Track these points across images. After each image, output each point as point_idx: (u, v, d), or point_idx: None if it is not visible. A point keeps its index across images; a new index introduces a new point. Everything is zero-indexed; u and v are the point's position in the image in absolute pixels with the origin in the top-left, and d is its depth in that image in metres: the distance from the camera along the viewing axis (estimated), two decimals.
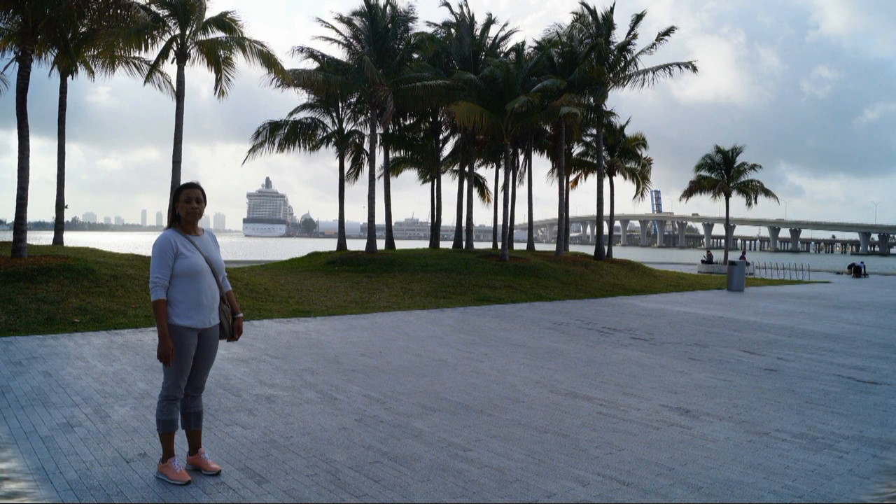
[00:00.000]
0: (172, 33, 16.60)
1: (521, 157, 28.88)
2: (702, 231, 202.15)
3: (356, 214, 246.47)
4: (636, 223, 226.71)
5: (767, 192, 33.89)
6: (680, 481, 3.89)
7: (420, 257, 19.61)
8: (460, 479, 3.79)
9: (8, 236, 14.86)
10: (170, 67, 23.42)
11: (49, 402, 5.08)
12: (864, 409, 5.92)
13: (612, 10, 24.45)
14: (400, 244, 29.88)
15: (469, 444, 4.47)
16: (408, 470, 3.92)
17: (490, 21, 26.52)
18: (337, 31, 22.24)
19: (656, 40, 24.27)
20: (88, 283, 10.56)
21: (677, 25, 25.76)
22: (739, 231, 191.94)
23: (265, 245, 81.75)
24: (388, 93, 19.52)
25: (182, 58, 16.55)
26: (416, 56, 23.12)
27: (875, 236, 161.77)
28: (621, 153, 28.79)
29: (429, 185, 27.69)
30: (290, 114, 23.22)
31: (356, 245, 25.14)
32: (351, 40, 22.34)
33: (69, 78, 17.92)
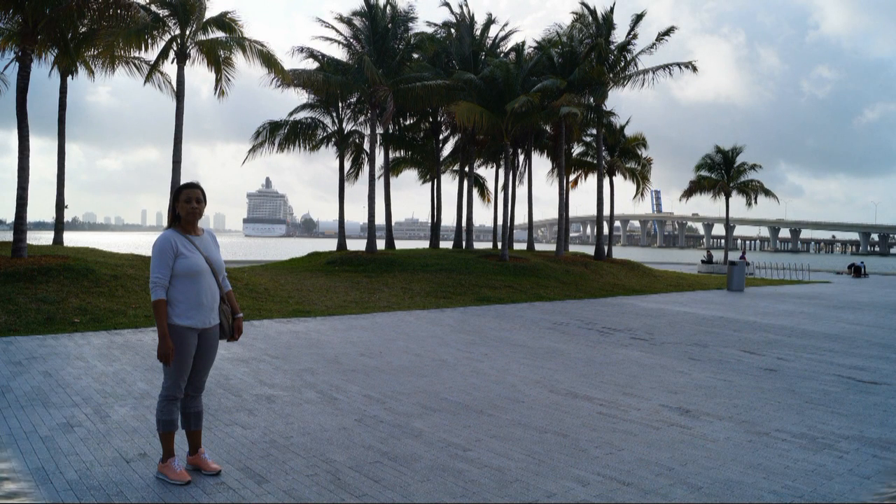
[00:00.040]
0: (172, 33, 16.60)
1: (521, 157, 28.88)
2: (702, 231, 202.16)
3: (356, 214, 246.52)
4: (636, 223, 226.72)
5: (767, 192, 33.90)
6: (680, 481, 3.89)
7: (420, 257, 19.61)
8: (460, 479, 3.79)
9: (8, 236, 14.86)
10: (170, 67, 23.43)
11: (49, 402, 5.09)
12: (864, 409, 5.92)
13: (612, 10, 24.46)
14: (400, 244, 29.88)
15: (469, 444, 4.47)
16: (408, 470, 3.92)
17: (490, 21, 26.53)
18: (337, 31, 22.26)
19: (656, 40, 24.28)
20: (88, 283, 10.56)
21: (677, 25, 25.78)
22: (739, 231, 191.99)
23: (265, 245, 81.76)
24: (388, 93, 19.52)
25: (182, 58, 16.55)
26: (416, 56, 23.12)
27: (875, 236, 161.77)
28: (621, 153, 28.80)
29: (429, 185, 27.70)
30: (290, 114, 23.24)
31: (356, 245, 25.14)
32: (351, 40, 22.34)
33: (69, 78, 17.93)
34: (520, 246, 31.91)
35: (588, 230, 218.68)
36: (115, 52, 16.10)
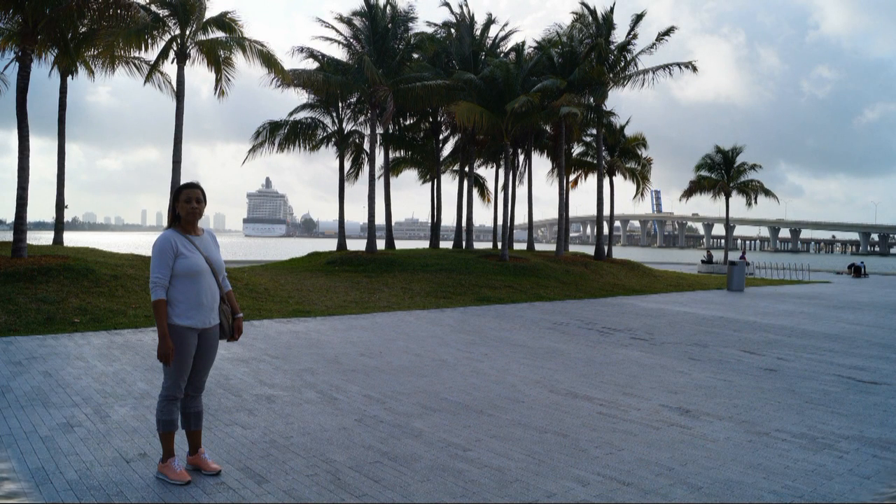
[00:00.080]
0: (172, 33, 16.60)
1: (521, 157, 28.88)
2: (702, 231, 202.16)
3: (356, 214, 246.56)
4: (636, 223, 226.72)
5: (767, 192, 33.90)
6: (680, 481, 3.89)
7: (420, 257, 19.61)
8: (460, 479, 3.79)
9: (8, 236, 14.86)
10: (170, 67, 23.44)
11: (49, 402, 5.08)
12: (864, 409, 5.92)
13: (612, 10, 24.46)
14: (400, 244, 29.88)
15: (469, 444, 4.47)
16: (408, 470, 3.92)
17: (490, 21, 26.52)
18: (337, 31, 22.25)
19: (656, 40, 24.28)
20: (88, 283, 10.56)
21: (677, 25, 25.78)
22: (739, 231, 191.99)
23: (265, 245, 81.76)
24: (388, 93, 19.52)
25: (182, 58, 16.55)
26: (416, 56, 23.12)
27: (875, 236, 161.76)
28: (621, 153, 28.80)
29: (429, 185, 27.71)
30: (290, 114, 23.24)
31: (356, 245, 25.14)
32: (351, 40, 22.34)
33: (69, 78, 17.93)
34: (520, 246, 31.91)
35: (588, 230, 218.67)
36: (115, 52, 16.10)
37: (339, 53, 22.57)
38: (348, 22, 22.25)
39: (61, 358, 6.68)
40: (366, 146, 24.20)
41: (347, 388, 5.93)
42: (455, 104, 20.22)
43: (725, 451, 4.49)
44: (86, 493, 3.40)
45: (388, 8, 22.19)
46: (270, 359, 7.13)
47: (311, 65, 21.78)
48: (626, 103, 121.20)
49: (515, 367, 7.27)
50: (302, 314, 10.70)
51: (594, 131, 26.40)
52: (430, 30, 24.88)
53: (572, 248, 32.85)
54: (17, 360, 6.51)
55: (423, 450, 4.30)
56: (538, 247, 30.50)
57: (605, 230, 27.79)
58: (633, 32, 24.26)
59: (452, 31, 25.41)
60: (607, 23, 24.30)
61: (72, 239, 22.28)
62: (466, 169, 26.07)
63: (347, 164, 24.52)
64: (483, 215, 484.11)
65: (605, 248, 26.03)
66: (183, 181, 10.18)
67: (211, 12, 17.28)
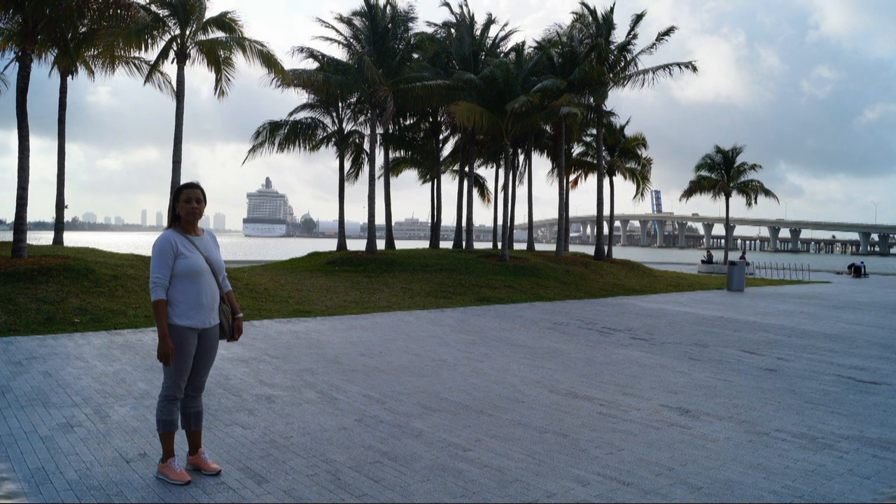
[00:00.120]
0: (172, 33, 16.60)
1: (521, 157, 28.88)
2: (702, 231, 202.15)
3: (356, 214, 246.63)
4: (636, 223, 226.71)
5: (767, 192, 33.90)
6: (680, 481, 3.89)
7: (420, 257, 19.61)
8: (460, 479, 3.79)
9: (8, 236, 14.86)
10: (170, 67, 23.41)
11: (49, 402, 5.08)
12: (864, 409, 5.92)
13: (612, 10, 24.46)
14: (400, 244, 29.88)
15: (469, 444, 4.47)
16: (408, 470, 3.92)
17: (490, 21, 26.52)
18: (337, 31, 22.25)
19: (656, 40, 24.28)
20: (88, 283, 10.56)
21: (677, 25, 25.76)
22: (739, 231, 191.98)
23: (265, 245, 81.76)
24: (388, 93, 19.52)
25: (182, 58, 16.56)
26: (416, 56, 23.12)
27: (875, 236, 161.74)
28: (621, 153, 28.80)
29: (429, 185, 27.71)
30: (290, 114, 23.23)
31: (356, 245, 25.14)
32: (351, 40, 22.34)
33: (69, 78, 17.92)
34: (520, 246, 31.91)
35: (588, 230, 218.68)
36: (115, 52, 16.10)
37: (339, 53, 22.60)
38: (348, 22, 22.25)
39: (61, 358, 6.68)
40: (366, 146, 24.21)
41: (347, 388, 5.93)
42: (455, 104, 20.22)
43: (725, 451, 4.49)
44: (86, 493, 3.40)
45: (388, 8, 22.18)
46: (270, 359, 7.13)
47: (311, 65, 21.80)
48: (626, 103, 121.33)
49: (515, 367, 7.27)
50: (302, 314, 10.70)
51: (594, 131, 26.40)
52: (430, 30, 24.89)
53: (572, 248, 32.85)
54: (17, 360, 6.51)
55: (423, 450, 4.30)
56: (538, 247, 30.50)
57: (605, 230, 27.79)
58: (633, 32, 24.26)
59: (452, 31, 25.41)
60: (607, 23, 24.30)
61: (72, 239, 22.28)
62: (466, 169, 26.07)
63: (347, 164, 24.55)
64: (483, 215, 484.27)
65: (605, 248, 26.02)
66: (183, 181, 10.19)
67: (211, 12, 17.31)
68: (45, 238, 25.27)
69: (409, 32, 22.70)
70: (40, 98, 20.93)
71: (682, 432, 4.93)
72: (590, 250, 29.80)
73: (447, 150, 27.80)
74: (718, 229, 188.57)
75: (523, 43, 23.98)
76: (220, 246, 3.96)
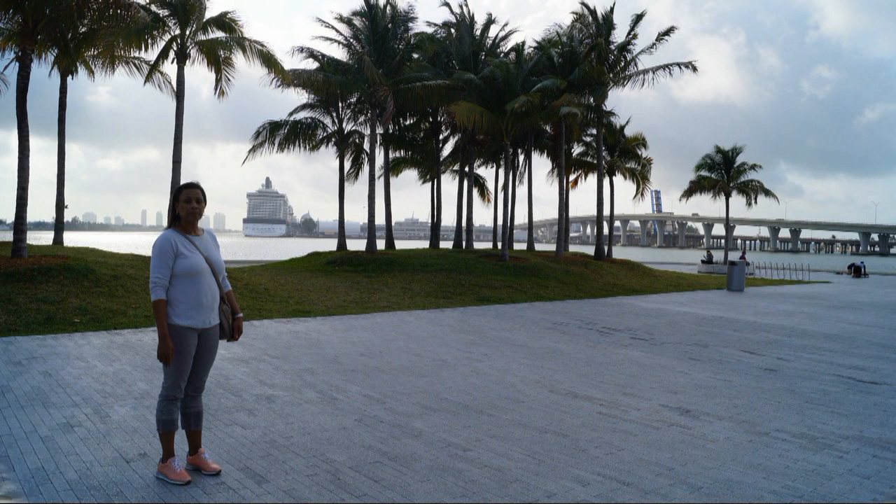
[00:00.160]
0: (172, 33, 16.60)
1: (521, 157, 28.89)
2: (702, 231, 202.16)
3: (356, 214, 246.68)
4: (636, 223, 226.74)
5: (767, 192, 33.90)
6: (680, 481, 3.89)
7: (420, 257, 19.61)
8: (460, 479, 3.79)
9: (8, 236, 14.86)
10: (170, 67, 23.42)
11: (49, 402, 5.08)
12: (864, 409, 5.92)
13: (612, 10, 24.46)
14: (400, 244, 29.88)
15: (469, 444, 4.47)
16: (408, 470, 3.92)
17: (490, 21, 26.52)
18: (337, 31, 22.25)
19: (656, 40, 24.28)
20: (88, 283, 10.56)
21: (677, 25, 25.76)
22: (739, 231, 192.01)
23: (265, 245, 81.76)
24: (388, 93, 19.52)
25: (182, 58, 16.56)
26: (416, 56, 23.12)
27: (875, 236, 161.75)
28: (621, 153, 28.80)
29: (429, 185, 27.71)
30: (290, 114, 23.23)
31: (356, 245, 25.14)
32: (351, 40, 22.34)
33: (69, 78, 17.92)
34: (520, 246, 31.91)
35: (588, 230, 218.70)
36: (115, 52, 16.11)
37: (339, 53, 22.60)
38: (348, 22, 22.25)
39: (61, 358, 6.68)
40: (366, 146, 24.21)
41: (347, 388, 5.93)
42: (455, 104, 20.22)
43: (725, 451, 4.49)
44: (86, 493, 3.40)
45: (388, 8, 22.18)
46: (270, 359, 7.13)
47: (311, 65, 21.80)
48: (626, 103, 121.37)
49: (515, 367, 7.27)
50: (302, 314, 10.70)
51: (594, 131, 26.40)
52: (430, 30, 24.89)
53: (572, 248, 32.85)
54: (17, 360, 6.51)
55: (423, 450, 4.30)
56: (538, 247, 30.50)
57: (605, 230, 27.79)
58: (633, 32, 24.26)
59: (452, 31, 25.40)
60: (607, 23, 24.30)
61: (72, 239, 22.28)
62: (466, 169, 26.07)
63: (347, 164, 24.55)
64: (483, 215, 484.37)
65: (605, 248, 26.02)
66: (183, 181, 10.19)
67: (211, 12, 17.32)
68: (45, 238, 25.27)
69: (409, 32, 22.70)
70: (40, 98, 20.95)
71: (682, 432, 4.93)
72: (590, 250, 29.80)
73: (447, 150, 27.84)
74: (718, 229, 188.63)
75: (523, 43, 23.99)
76: (220, 246, 3.96)
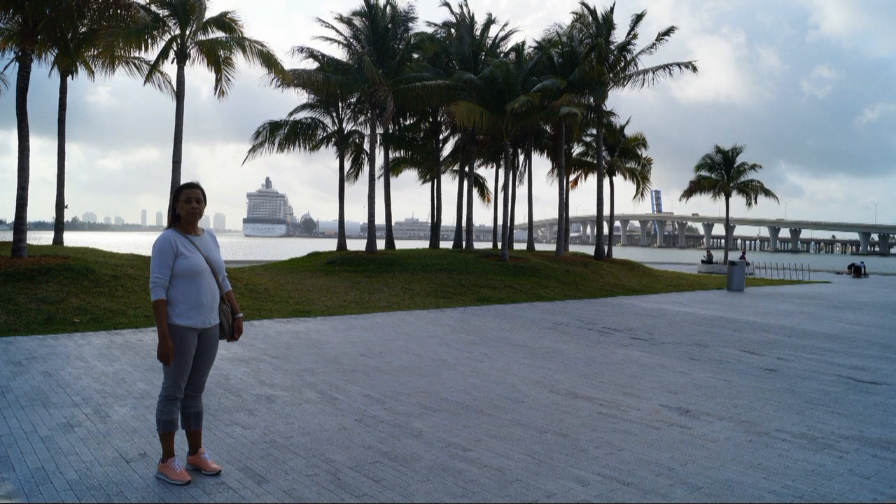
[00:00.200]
0: (172, 33, 16.61)
1: (521, 157, 28.89)
2: (702, 231, 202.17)
3: (356, 214, 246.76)
4: (636, 223, 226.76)
5: (767, 192, 33.90)
6: (680, 481, 3.89)
7: (420, 257, 19.61)
8: (460, 479, 3.79)
9: (8, 236, 14.86)
10: (170, 67, 23.44)
11: (49, 402, 5.08)
12: (864, 409, 5.92)
13: (612, 10, 24.46)
14: (400, 244, 29.88)
15: (469, 444, 4.47)
16: (408, 470, 3.92)
17: (490, 21, 26.52)
18: (337, 31, 22.26)
19: (656, 40, 24.29)
20: (88, 283, 10.56)
21: (677, 25, 25.76)
22: (739, 231, 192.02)
23: (265, 245, 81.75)
24: (388, 93, 19.52)
25: (182, 58, 16.56)
26: (416, 56, 23.12)
27: (875, 236, 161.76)
28: (621, 153, 28.80)
29: (429, 185, 27.72)
30: (290, 114, 23.24)
31: (356, 245, 25.14)
32: (351, 40, 22.34)
33: (69, 78, 17.92)
34: (520, 246, 31.91)
35: (588, 230, 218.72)
36: (115, 52, 16.11)
37: (339, 53, 22.61)
38: (348, 22, 22.25)
39: (61, 358, 6.68)
40: (366, 146, 24.22)
41: (347, 388, 5.93)
42: (455, 104, 20.22)
43: (725, 451, 4.49)
44: (86, 493, 3.40)
45: (388, 8, 22.18)
46: (270, 359, 7.13)
47: (311, 65, 21.80)
48: (626, 103, 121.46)
49: (515, 367, 7.27)
50: (302, 314, 10.70)
51: (594, 131, 26.40)
52: (430, 30, 24.90)
53: (572, 248, 32.85)
54: (17, 360, 6.51)
55: (423, 450, 4.30)
56: (538, 247, 30.51)
57: (605, 230, 27.79)
58: (632, 32, 24.26)
59: (452, 31, 25.41)
60: (607, 23, 24.30)
61: (72, 239, 22.28)
62: (466, 169, 26.07)
63: (347, 164, 24.55)
64: (483, 215, 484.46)
65: (605, 248, 26.02)
66: (183, 181, 10.18)
67: (211, 12, 17.32)
68: (45, 238, 25.27)
69: (409, 32, 22.70)
70: (40, 98, 20.96)
71: (682, 432, 4.93)
72: (590, 250, 29.80)
73: (447, 150, 27.85)
74: (718, 229, 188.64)
75: (523, 43, 23.99)
76: (220, 246, 3.96)
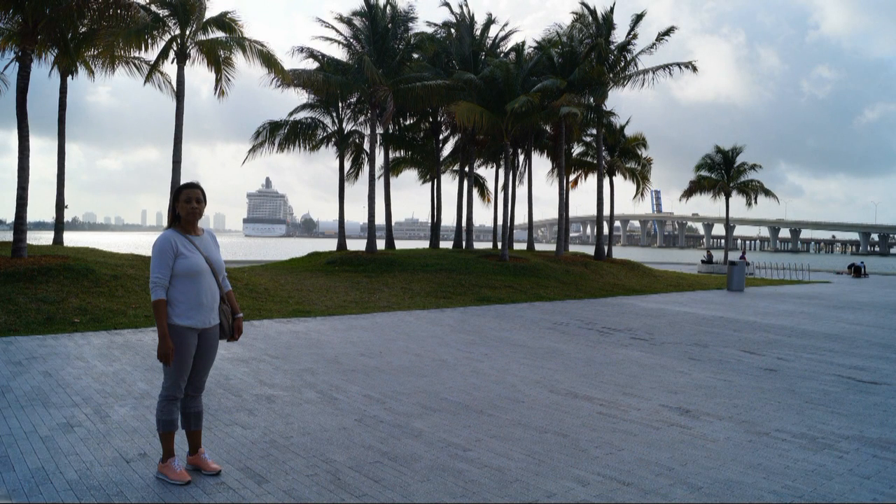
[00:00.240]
0: (172, 33, 16.60)
1: (521, 157, 28.89)
2: (702, 231, 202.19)
3: (356, 214, 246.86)
4: (636, 223, 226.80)
5: (767, 192, 33.90)
6: (680, 481, 3.89)
7: (420, 257, 19.61)
8: (460, 479, 3.79)
9: (8, 236, 14.86)
10: (170, 67, 23.45)
11: (49, 402, 5.08)
12: (864, 409, 5.92)
13: (612, 10, 24.46)
14: (400, 244, 29.88)
15: (469, 444, 4.47)
16: (408, 470, 3.92)
17: (490, 21, 26.52)
18: (337, 31, 22.26)
19: (656, 40, 24.29)
20: (88, 283, 10.56)
21: (677, 25, 25.77)
22: (739, 231, 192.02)
23: (265, 245, 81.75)
24: (388, 93, 19.52)
25: (182, 58, 16.56)
26: (416, 56, 23.12)
27: (875, 236, 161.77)
28: (621, 153, 28.80)
29: (429, 185, 27.72)
30: (290, 114, 23.24)
31: (356, 245, 25.15)
32: (351, 40, 22.35)
33: (69, 78, 17.92)
34: (520, 246, 31.91)
35: (588, 230, 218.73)
36: (115, 52, 16.11)
37: (339, 53, 22.61)
38: (348, 22, 22.25)
39: (61, 358, 6.68)
40: (366, 146, 24.22)
41: (347, 388, 5.93)
42: (455, 104, 20.22)
43: (725, 451, 4.49)
44: (86, 493, 3.39)
45: (388, 8, 22.19)
46: (270, 359, 7.13)
47: (311, 65, 21.81)
48: (626, 103, 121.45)
49: (515, 367, 7.27)
50: (302, 314, 10.70)
51: (594, 131, 26.41)
52: (430, 30, 24.90)
53: (572, 248, 32.86)
54: (17, 360, 6.51)
55: (423, 450, 4.30)
56: (538, 247, 30.51)
57: (605, 230, 27.80)
58: (632, 32, 24.26)
59: (452, 31, 25.41)
60: (607, 23, 24.30)
61: (72, 239, 22.28)
62: (466, 169, 26.07)
63: (347, 164, 24.55)
64: (483, 215, 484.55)
65: (605, 248, 26.03)
66: (183, 181, 10.19)
67: (211, 12, 17.32)
68: (45, 238, 25.27)
69: (409, 32, 22.71)
70: (40, 98, 20.98)
71: (682, 432, 4.93)
72: (590, 250, 29.80)
73: (447, 150, 27.86)
74: (718, 229, 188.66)
75: (523, 43, 23.99)
76: (220, 246, 3.96)
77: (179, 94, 16.64)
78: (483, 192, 30.71)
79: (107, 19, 12.89)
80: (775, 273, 32.48)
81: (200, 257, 3.62)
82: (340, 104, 22.90)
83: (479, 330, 10.02)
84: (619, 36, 24.73)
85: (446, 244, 27.98)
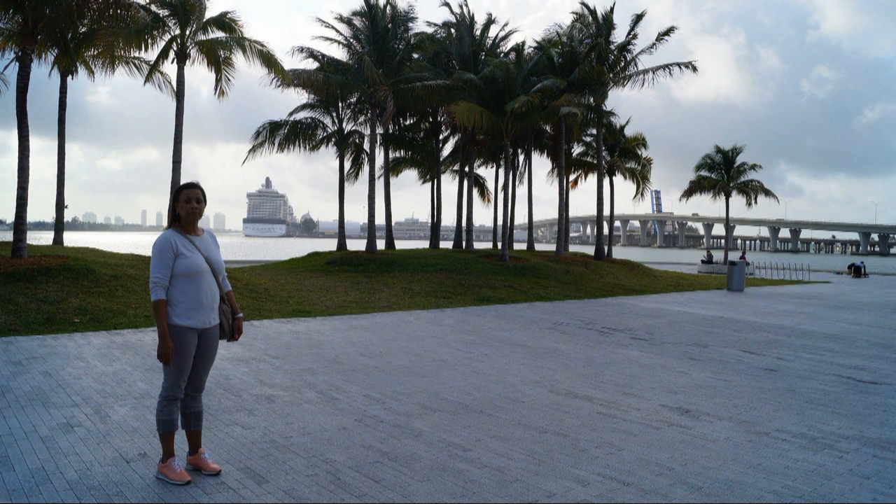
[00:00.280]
0: (172, 33, 16.61)
1: (521, 157, 28.89)
2: (702, 231, 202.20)
3: (356, 214, 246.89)
4: (636, 223, 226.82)
5: (767, 192, 33.90)
6: (680, 481, 3.89)
7: (420, 257, 19.61)
8: (460, 479, 3.79)
9: (8, 236, 14.86)
10: (170, 67, 23.46)
11: (49, 402, 5.08)
12: (864, 409, 5.92)
13: (612, 10, 24.46)
14: (400, 244, 29.89)
15: (469, 444, 4.47)
16: (408, 470, 3.92)
17: (490, 21, 26.53)
18: (337, 31, 22.26)
19: (656, 40, 24.30)
20: (88, 283, 10.55)
21: (677, 25, 25.77)
22: (739, 231, 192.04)
23: (265, 245, 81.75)
24: (388, 93, 19.52)
25: (182, 58, 16.56)
26: (416, 56, 23.13)
27: (875, 236, 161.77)
28: (621, 153, 28.80)
29: (429, 185, 27.72)
30: (290, 114, 23.24)
31: (356, 245, 25.15)
32: (351, 40, 22.35)
33: (69, 78, 17.93)
34: (520, 246, 31.91)
35: (588, 230, 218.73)
36: (115, 52, 16.11)
37: (339, 53, 22.61)
38: (348, 22, 22.25)
39: (61, 358, 6.68)
40: (366, 146, 24.22)
41: (347, 388, 5.93)
42: (455, 104, 20.22)
43: (725, 451, 4.49)
44: (86, 493, 3.39)
45: (388, 8, 22.19)
46: (270, 359, 7.13)
47: (311, 65, 21.81)
48: (626, 103, 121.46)
49: (515, 367, 7.27)
50: (302, 314, 10.70)
51: (594, 131, 26.41)
52: (430, 30, 24.91)
53: (572, 248, 32.86)
54: (17, 360, 6.51)
55: (423, 450, 4.30)
56: (538, 247, 30.51)
57: (605, 230, 27.80)
58: (632, 32, 24.27)
59: (452, 31, 25.41)
60: (607, 23, 24.30)
61: (72, 239, 22.29)
62: (466, 169, 26.07)
63: (347, 164, 24.55)
64: (483, 215, 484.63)
65: (605, 248, 26.03)
66: (183, 181, 10.19)
67: (211, 12, 17.33)
68: (45, 238, 25.27)
69: (409, 32, 22.71)
70: (40, 98, 20.98)
71: (682, 432, 4.93)
72: (590, 250, 29.80)
73: (447, 150, 27.86)
74: (718, 229, 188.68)
75: (523, 43, 23.99)
76: (220, 246, 3.96)
77: (179, 94, 16.64)
78: (483, 192, 30.72)
79: (107, 19, 12.89)
80: (775, 273, 32.48)
81: (200, 257, 3.62)
82: (340, 104, 22.90)
83: (479, 330, 10.02)
84: (619, 36, 24.77)
85: (446, 244, 27.98)
